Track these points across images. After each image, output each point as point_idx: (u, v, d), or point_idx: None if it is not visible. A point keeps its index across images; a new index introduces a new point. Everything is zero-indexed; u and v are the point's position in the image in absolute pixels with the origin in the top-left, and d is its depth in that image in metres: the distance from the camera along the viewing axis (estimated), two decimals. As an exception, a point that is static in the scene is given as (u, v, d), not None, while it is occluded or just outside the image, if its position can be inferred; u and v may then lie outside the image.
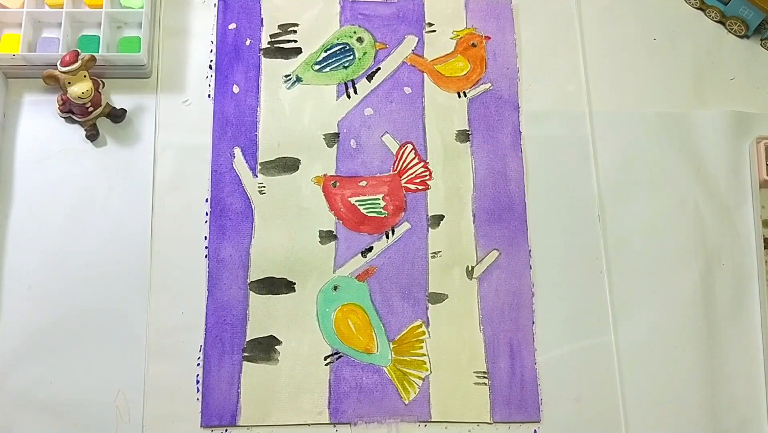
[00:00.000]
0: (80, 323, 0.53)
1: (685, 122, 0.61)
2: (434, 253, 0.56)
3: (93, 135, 0.57)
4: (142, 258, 0.55)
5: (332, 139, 0.58)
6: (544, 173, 0.59)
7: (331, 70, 0.60)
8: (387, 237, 0.56)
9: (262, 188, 0.57)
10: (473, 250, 0.57)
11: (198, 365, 0.53)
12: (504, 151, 0.59)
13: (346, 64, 0.60)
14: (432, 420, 0.53)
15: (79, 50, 0.54)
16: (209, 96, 0.59)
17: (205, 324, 0.54)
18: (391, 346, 0.54)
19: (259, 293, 0.55)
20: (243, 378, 0.53)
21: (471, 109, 0.60)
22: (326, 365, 0.54)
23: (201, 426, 0.52)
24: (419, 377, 0.54)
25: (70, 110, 0.56)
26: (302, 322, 0.54)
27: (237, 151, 0.57)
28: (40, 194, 0.56)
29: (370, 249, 0.56)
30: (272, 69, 0.60)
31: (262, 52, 0.60)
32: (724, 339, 0.56)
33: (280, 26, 0.61)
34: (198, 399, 0.52)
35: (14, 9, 0.57)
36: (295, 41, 0.60)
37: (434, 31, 0.61)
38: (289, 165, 0.58)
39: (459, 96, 0.60)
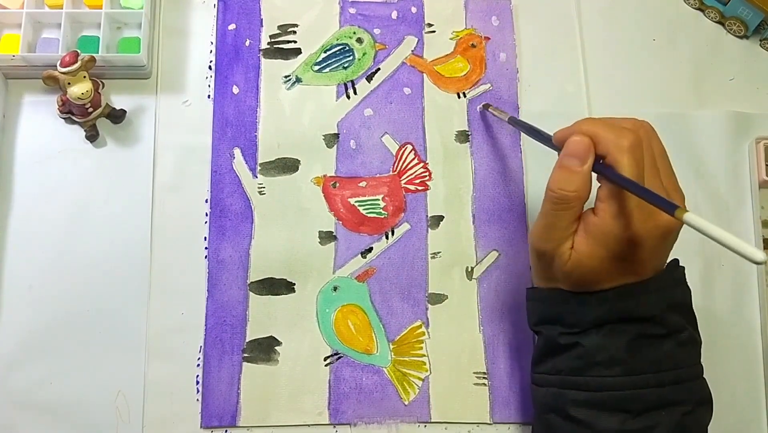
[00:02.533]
0: (80, 324, 0.53)
1: (685, 122, 0.61)
2: (434, 253, 0.56)
3: (93, 136, 0.57)
4: (142, 258, 0.55)
5: (332, 139, 0.58)
6: (543, 174, 0.58)
7: (330, 70, 0.60)
8: (387, 238, 0.57)
9: (262, 189, 0.57)
10: (473, 250, 0.57)
11: (198, 365, 0.53)
12: (504, 151, 0.59)
13: (345, 65, 0.60)
14: (432, 421, 0.53)
15: (79, 51, 0.54)
16: (209, 97, 0.59)
17: (205, 325, 0.54)
18: (391, 347, 0.54)
19: (259, 294, 0.55)
20: (243, 379, 0.53)
21: (471, 110, 0.60)
22: (326, 365, 0.54)
23: (201, 427, 0.52)
24: (419, 378, 0.54)
25: (69, 111, 0.56)
26: (302, 323, 0.54)
27: (237, 151, 0.57)
28: (39, 195, 0.56)
29: (370, 250, 0.56)
30: (272, 70, 0.60)
31: (261, 53, 0.60)
32: (723, 340, 0.56)
33: (279, 27, 0.61)
34: (198, 400, 0.53)
35: (14, 9, 0.57)
36: (295, 42, 0.60)
37: (434, 31, 0.61)
38: (288, 166, 0.58)
39: (459, 97, 0.60)
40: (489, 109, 0.58)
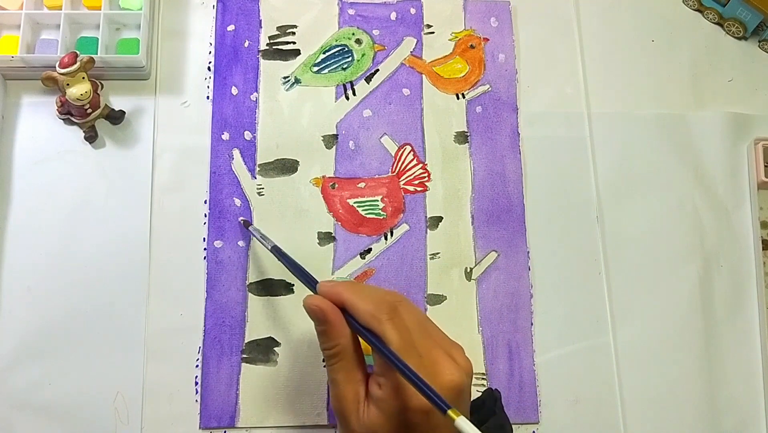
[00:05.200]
0: (79, 325, 0.53)
1: (684, 124, 0.61)
2: (433, 254, 0.56)
3: (92, 137, 0.57)
4: (140, 259, 0.55)
5: (331, 140, 0.58)
6: (542, 175, 0.59)
7: (329, 71, 0.60)
8: (386, 239, 0.56)
9: (261, 190, 0.57)
10: (472, 251, 0.57)
11: (197, 366, 0.53)
12: (503, 152, 0.59)
13: (344, 66, 0.60)
14: (431, 422, 0.53)
15: (78, 52, 0.54)
16: (208, 98, 0.59)
17: (204, 326, 0.54)
18: (390, 347, 0.54)
19: (258, 295, 0.55)
20: (242, 380, 0.53)
21: (470, 111, 0.60)
22: (325, 366, 0.54)
23: (200, 428, 0.52)
24: (418, 379, 0.54)
25: (68, 112, 0.56)
26: (301, 323, 0.54)
27: (236, 152, 0.57)
28: (38, 196, 0.56)
29: (369, 251, 0.56)
30: (271, 70, 0.60)
31: (260, 54, 0.60)
32: (722, 340, 0.56)
33: (278, 28, 0.61)
34: (197, 401, 0.52)
35: (13, 10, 0.57)
36: (294, 43, 0.60)
37: (433, 32, 0.62)
38: (287, 167, 0.58)
39: (458, 98, 0.60)
40: (250, 228, 0.55)
